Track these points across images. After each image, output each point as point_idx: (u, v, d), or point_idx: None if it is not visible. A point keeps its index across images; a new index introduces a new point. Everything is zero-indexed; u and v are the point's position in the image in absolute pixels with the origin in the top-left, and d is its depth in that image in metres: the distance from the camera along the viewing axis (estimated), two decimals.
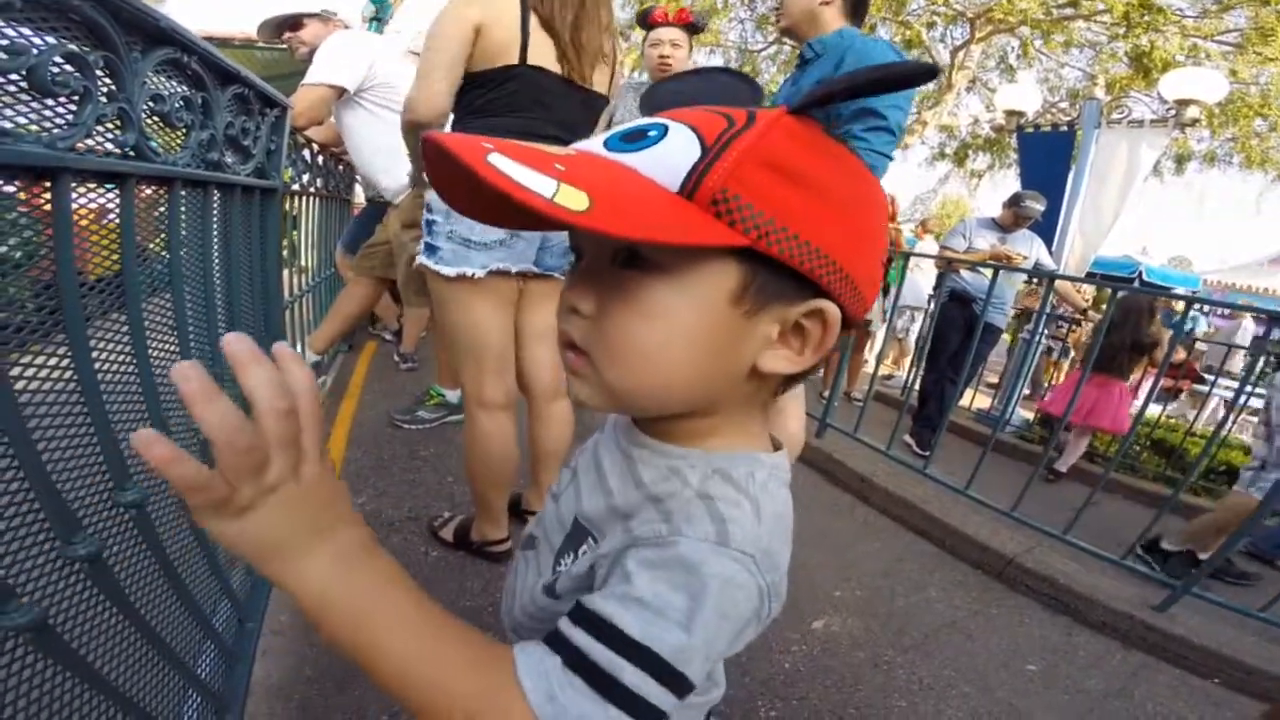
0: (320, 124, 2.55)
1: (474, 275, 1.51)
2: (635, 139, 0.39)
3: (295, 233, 2.93)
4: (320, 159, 2.85)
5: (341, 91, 2.43)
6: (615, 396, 0.44)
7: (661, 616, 0.38)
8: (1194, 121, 4.74)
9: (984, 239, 3.92)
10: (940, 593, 2.12)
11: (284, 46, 2.78)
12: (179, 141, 0.98)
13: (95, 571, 0.75)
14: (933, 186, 16.79)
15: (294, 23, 2.68)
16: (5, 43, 0.56)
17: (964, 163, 13.65)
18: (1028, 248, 3.89)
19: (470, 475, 1.74)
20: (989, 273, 3.46)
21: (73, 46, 0.65)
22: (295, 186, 2.54)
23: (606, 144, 0.40)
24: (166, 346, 1.02)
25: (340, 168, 3.15)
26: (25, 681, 0.64)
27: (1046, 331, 4.37)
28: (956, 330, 3.89)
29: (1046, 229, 5.17)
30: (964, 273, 3.90)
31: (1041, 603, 2.14)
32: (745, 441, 0.49)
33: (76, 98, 0.67)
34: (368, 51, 2.47)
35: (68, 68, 0.65)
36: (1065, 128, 5.43)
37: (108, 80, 0.74)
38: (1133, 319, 3.70)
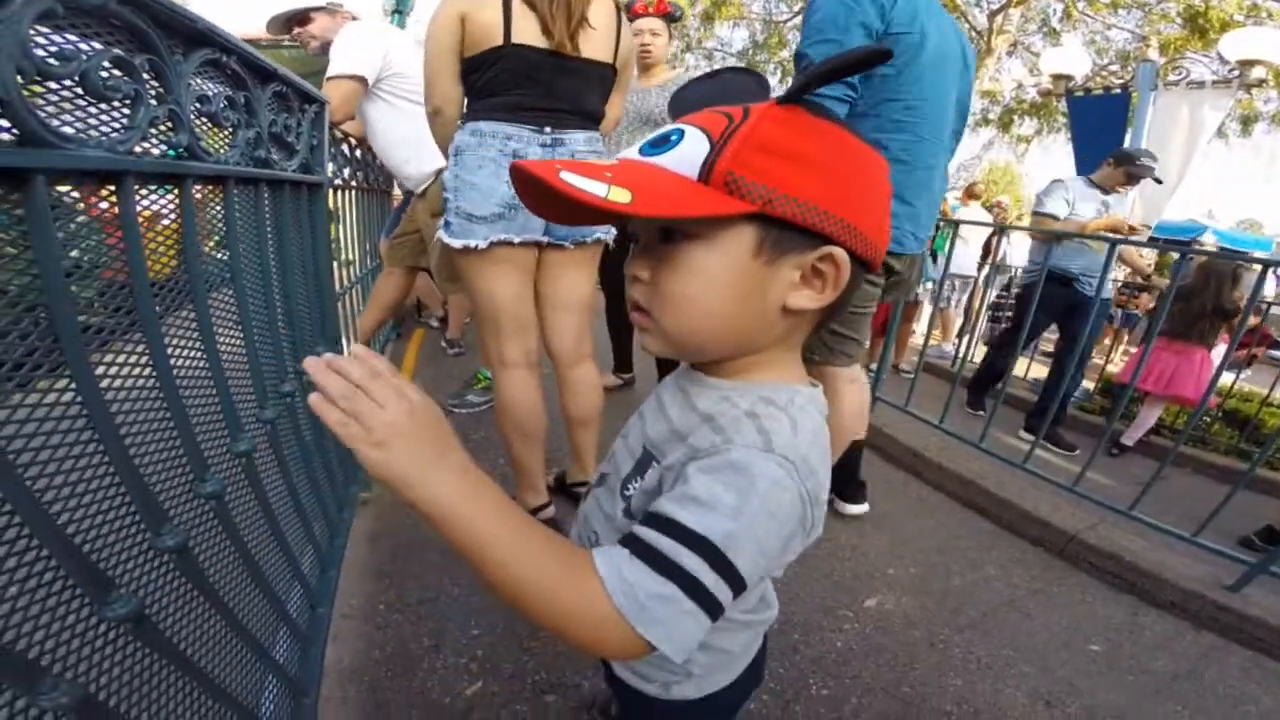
0: (354, 117, 2.58)
1: (477, 246, 1.60)
2: (661, 144, 0.51)
3: (338, 226, 2.98)
4: (359, 153, 2.89)
5: (365, 82, 2.44)
6: (673, 341, 0.56)
7: (713, 510, 0.47)
8: (1260, 82, 4.51)
9: (1088, 204, 3.51)
10: (998, 570, 2.07)
11: (297, 43, 2.80)
12: (226, 141, 1.00)
13: (183, 562, 0.78)
14: (976, 153, 16.23)
15: (301, 17, 2.67)
16: (55, 49, 0.57)
17: (1009, 128, 13.14)
18: (1126, 210, 3.62)
19: (503, 437, 1.82)
20: (1095, 245, 3.27)
21: (119, 50, 0.67)
22: (337, 181, 2.58)
23: (641, 151, 0.52)
24: (232, 341, 1.05)
25: (378, 161, 3.20)
26: (125, 670, 0.67)
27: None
28: (1050, 314, 3.53)
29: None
30: (1063, 245, 3.35)
31: (1105, 581, 2.08)
32: (785, 376, 0.59)
33: (129, 101, 0.68)
34: (382, 42, 2.47)
35: (116, 72, 0.67)
36: (1119, 90, 5.19)
37: (155, 83, 0.75)
38: (1214, 284, 3.54)
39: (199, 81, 0.89)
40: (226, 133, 0.99)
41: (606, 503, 0.66)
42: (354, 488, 1.91)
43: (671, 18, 2.94)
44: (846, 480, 2.25)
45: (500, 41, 1.55)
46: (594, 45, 1.67)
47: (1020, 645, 1.72)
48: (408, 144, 2.55)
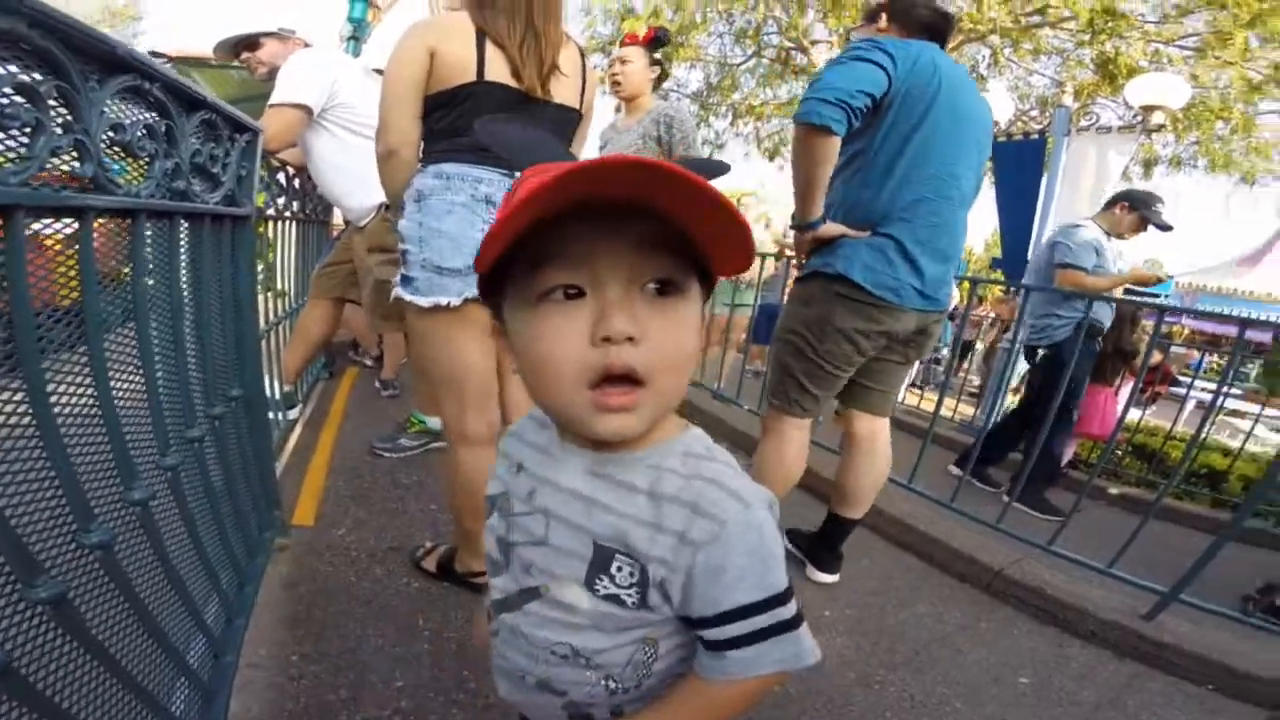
0: (294, 145, 2.52)
1: (450, 304, 1.48)
2: None
3: (271, 255, 2.87)
4: (297, 182, 2.81)
5: (309, 111, 2.38)
6: (661, 411, 0.54)
7: (753, 577, 0.54)
8: (1160, 127, 4.85)
9: (1108, 254, 3.35)
10: (929, 608, 2.10)
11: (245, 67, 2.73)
12: (142, 172, 0.95)
13: (59, 614, 0.73)
14: None
15: (251, 43, 2.62)
16: None
17: None
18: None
19: (453, 509, 1.72)
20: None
21: (24, 77, 0.64)
22: (270, 211, 2.50)
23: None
24: (132, 383, 0.99)
25: (317, 191, 3.11)
26: None
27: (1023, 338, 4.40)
28: (1084, 371, 3.28)
29: (1022, 239, 5.25)
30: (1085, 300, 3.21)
31: (1030, 614, 2.13)
32: (673, 423, 0.60)
33: (29, 130, 0.65)
34: (331, 71, 2.43)
35: (18, 99, 0.63)
36: (1037, 135, 5.53)
37: (64, 110, 0.72)
38: (1115, 327, 3.71)
39: (116, 109, 0.85)
40: (143, 163, 0.95)
41: (556, 613, 0.60)
42: (268, 533, 1.81)
43: (658, 42, 2.86)
44: (829, 549, 2.17)
45: (472, 78, 1.49)
46: (564, 90, 1.64)
47: (953, 681, 1.74)
48: (351, 176, 2.49)
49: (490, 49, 1.49)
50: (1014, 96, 9.89)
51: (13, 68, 0.64)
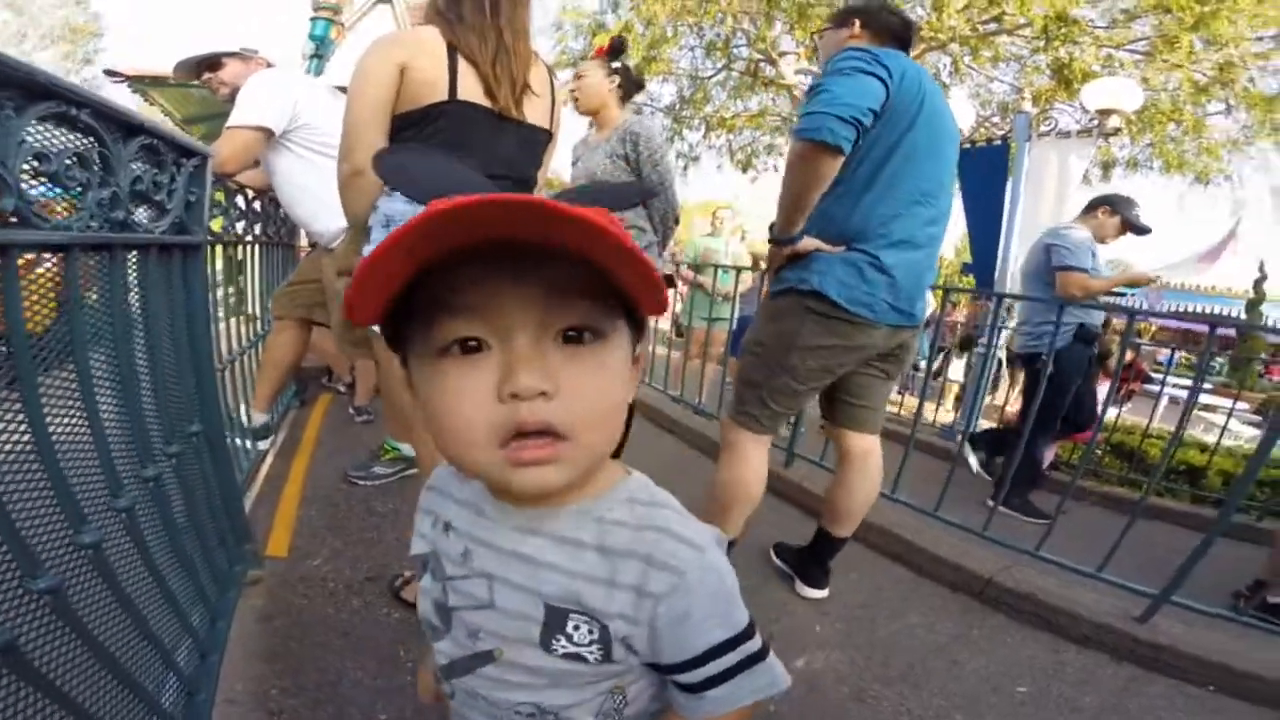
0: (253, 167, 2.45)
1: None
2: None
3: (241, 278, 2.80)
4: (258, 204, 2.73)
5: (269, 133, 2.32)
6: (586, 464, 0.50)
7: (718, 617, 0.54)
8: (1116, 130, 4.93)
9: (1097, 258, 3.34)
10: (921, 618, 2.07)
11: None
12: (73, 203, 0.90)
13: (11, 664, 0.70)
14: None
15: (212, 62, 2.55)
16: None
17: None
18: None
19: None
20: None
21: None
22: (228, 236, 2.42)
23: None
24: (77, 421, 0.94)
25: (280, 212, 3.02)
26: None
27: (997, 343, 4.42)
28: (1082, 376, 3.28)
29: (990, 244, 5.29)
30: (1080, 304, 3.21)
31: (1024, 620, 2.10)
32: (612, 470, 0.58)
33: None
34: (291, 91, 2.37)
35: None
36: (999, 142, 5.60)
37: None
38: None
39: (39, 137, 0.79)
40: (74, 194, 0.90)
41: (516, 675, 0.56)
42: (239, 566, 1.73)
43: (615, 52, 2.77)
44: (818, 564, 2.12)
45: (444, 96, 1.44)
46: (535, 110, 1.61)
47: (950, 693, 1.70)
48: (317, 197, 2.41)
49: (462, 66, 1.45)
50: (975, 103, 10.09)
51: None
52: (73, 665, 0.85)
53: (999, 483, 3.21)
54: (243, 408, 2.62)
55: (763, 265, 1.85)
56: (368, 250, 1.47)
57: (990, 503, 3.01)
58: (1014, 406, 5.37)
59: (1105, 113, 4.68)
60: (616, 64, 2.77)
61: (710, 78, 12.38)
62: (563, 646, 0.54)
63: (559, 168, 2.07)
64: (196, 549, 1.41)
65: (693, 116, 12.96)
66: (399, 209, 1.43)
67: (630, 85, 2.82)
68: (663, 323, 7.11)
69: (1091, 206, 3.51)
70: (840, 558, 2.13)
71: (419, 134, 1.46)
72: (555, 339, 0.45)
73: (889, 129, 1.63)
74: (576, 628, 0.53)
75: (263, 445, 2.73)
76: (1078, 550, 2.30)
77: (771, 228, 1.80)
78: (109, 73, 5.58)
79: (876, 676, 1.73)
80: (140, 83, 5.57)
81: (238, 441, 2.32)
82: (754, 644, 0.56)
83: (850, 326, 1.72)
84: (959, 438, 3.97)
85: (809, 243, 1.74)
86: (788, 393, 1.81)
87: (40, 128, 0.80)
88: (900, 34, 1.80)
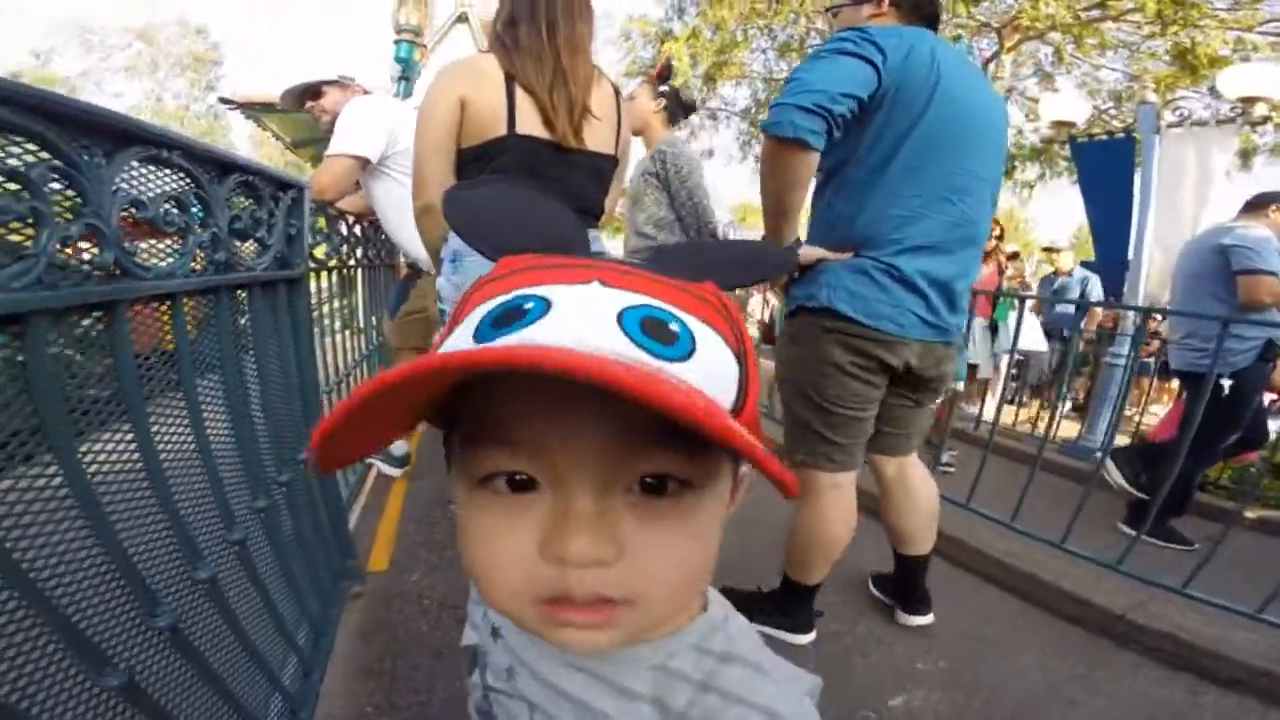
0: (351, 194, 2.56)
1: None
2: (663, 339, 0.32)
3: (349, 299, 2.95)
4: (358, 229, 2.86)
5: (365, 161, 2.42)
6: (646, 631, 0.39)
7: None
8: (1265, 119, 4.40)
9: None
10: (1035, 656, 1.90)
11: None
12: (175, 248, 0.91)
13: (132, 698, 0.73)
14: None
15: (314, 91, 2.69)
16: None
17: (1011, 174, 13.18)
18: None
19: None
20: None
21: (13, 161, 0.59)
22: (333, 262, 2.54)
23: (630, 335, 0.31)
24: (189, 458, 0.99)
25: (380, 235, 3.18)
26: None
27: (1135, 354, 4.01)
28: (1261, 396, 2.84)
29: (1119, 240, 4.86)
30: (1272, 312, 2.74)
31: (1160, 660, 1.90)
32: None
33: (31, 224, 0.60)
34: (386, 119, 2.45)
35: (11, 186, 0.58)
36: (1122, 135, 5.15)
37: (70, 193, 0.67)
38: None
39: (134, 184, 0.80)
40: (174, 239, 0.91)
41: None
42: (344, 583, 1.82)
43: (663, 77, 2.84)
44: (911, 589, 1.95)
45: (504, 131, 1.45)
46: (597, 136, 1.58)
47: None
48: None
49: (520, 96, 1.45)
50: (1083, 93, 9.38)
51: None
52: (183, 693, 0.89)
53: (1136, 507, 2.91)
54: None
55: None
56: (440, 282, 1.49)
57: (1124, 527, 2.74)
58: (1152, 418, 4.92)
59: (1249, 101, 4.20)
60: (664, 87, 2.82)
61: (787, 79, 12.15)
62: None
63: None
64: (304, 569, 1.48)
65: None
66: (465, 244, 1.46)
67: (677, 108, 2.86)
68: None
69: (1259, 204, 3.00)
70: (948, 589, 2.00)
71: (482, 168, 1.46)
72: (628, 489, 0.34)
73: (896, 116, 1.43)
74: None
75: (396, 472, 2.86)
76: (1230, 585, 2.06)
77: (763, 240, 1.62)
78: (224, 100, 5.99)
79: (979, 717, 1.61)
80: (252, 109, 5.94)
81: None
82: None
83: (873, 344, 1.53)
84: (1098, 455, 3.65)
85: (810, 252, 1.57)
86: (841, 421, 1.60)
87: (136, 173, 0.81)
88: (928, 11, 1.59)
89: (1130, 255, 4.60)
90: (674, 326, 0.33)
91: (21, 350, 0.60)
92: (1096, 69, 10.43)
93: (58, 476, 0.66)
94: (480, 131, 1.45)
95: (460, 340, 0.34)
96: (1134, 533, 2.38)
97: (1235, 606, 1.98)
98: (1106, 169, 4.95)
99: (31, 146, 0.62)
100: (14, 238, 0.60)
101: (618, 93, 1.70)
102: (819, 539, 1.69)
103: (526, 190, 0.43)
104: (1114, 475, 3.07)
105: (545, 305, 0.32)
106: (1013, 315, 4.10)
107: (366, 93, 2.72)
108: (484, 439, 0.34)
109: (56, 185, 0.65)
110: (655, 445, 0.33)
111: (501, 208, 0.42)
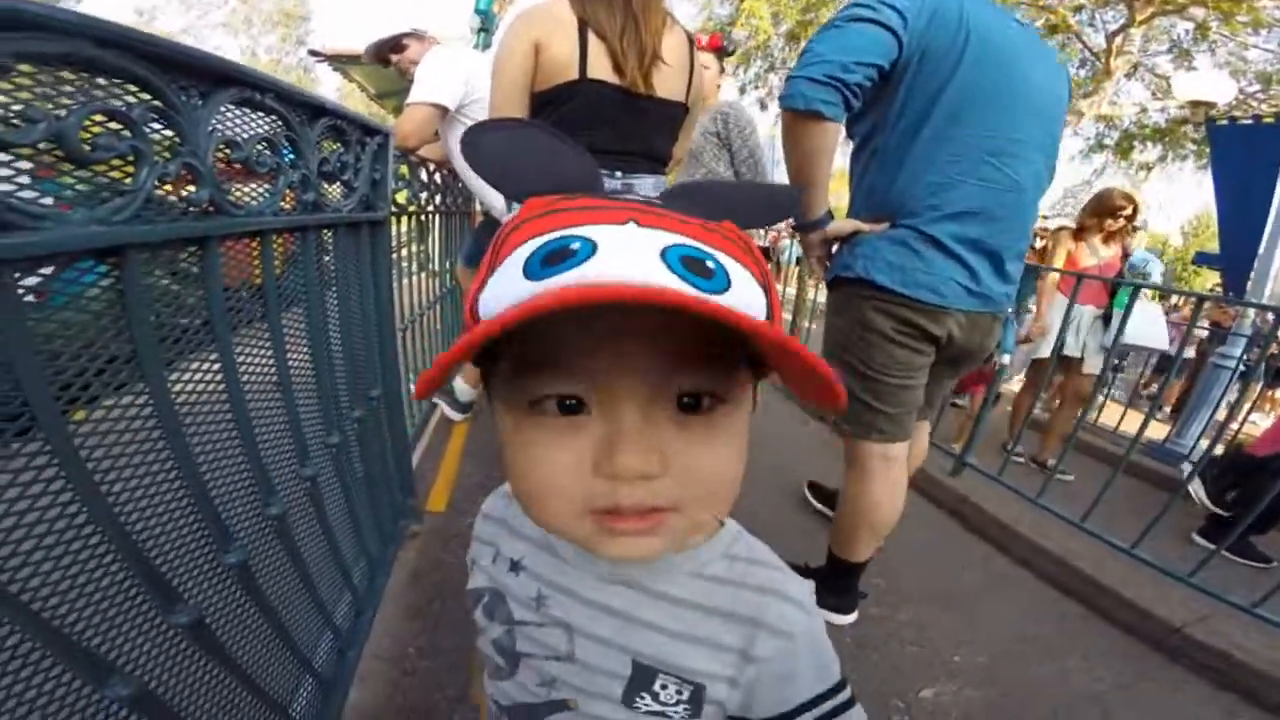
0: (430, 142, 2.60)
1: None
2: (702, 273, 0.35)
3: (425, 244, 3.04)
4: (438, 177, 2.92)
5: (444, 109, 2.46)
6: (688, 537, 0.44)
7: (820, 670, 0.51)
8: None
9: None
10: (1081, 662, 1.84)
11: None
12: (266, 189, 0.94)
13: (196, 634, 0.77)
14: (1086, 178, 15.03)
15: (395, 45, 2.76)
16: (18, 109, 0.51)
17: (1128, 155, 12.22)
18: None
19: None
20: None
21: (116, 103, 0.61)
22: (412, 207, 2.61)
23: (672, 266, 0.34)
24: (270, 394, 1.03)
25: (458, 183, 3.24)
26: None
27: (1248, 357, 3.70)
28: None
29: (1250, 234, 4.49)
30: None
31: (1209, 679, 1.82)
32: None
33: (132, 160, 0.63)
34: (464, 68, 2.49)
35: (114, 125, 0.60)
36: (1272, 119, 4.68)
37: (167, 133, 0.69)
38: None
39: (230, 124, 0.83)
40: (265, 179, 0.94)
41: None
42: (403, 521, 1.90)
43: (723, 52, 2.90)
44: (846, 584, 1.82)
45: (575, 76, 1.47)
46: (666, 83, 1.58)
47: None
48: None
49: (593, 42, 1.46)
50: (1226, 72, 8.52)
51: (97, 94, 0.60)
52: (241, 631, 0.91)
53: (1216, 518, 2.79)
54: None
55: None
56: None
57: (1200, 539, 2.62)
58: (1252, 427, 4.58)
59: None
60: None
61: None
62: (646, 705, 0.50)
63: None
64: (366, 507, 1.54)
65: None
66: None
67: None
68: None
69: None
70: (996, 581, 1.95)
71: (552, 115, 1.48)
72: (668, 406, 0.39)
73: (923, 80, 1.37)
74: (664, 687, 0.50)
75: (459, 417, 2.98)
76: None
77: (795, 215, 1.59)
78: (313, 53, 6.22)
79: (1008, 717, 1.59)
80: (339, 61, 6.14)
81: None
82: (845, 694, 0.53)
83: (915, 313, 1.48)
84: (1185, 466, 3.44)
85: (843, 224, 1.53)
86: (888, 390, 1.56)
87: (231, 115, 0.83)
88: None
89: (1262, 250, 4.27)
90: (710, 264, 0.36)
91: (119, 281, 0.65)
92: (1245, 48, 9.45)
93: (148, 406, 0.71)
94: (553, 76, 1.47)
95: (509, 279, 0.36)
96: (1210, 545, 2.28)
97: None
98: (1247, 156, 4.52)
99: (132, 88, 0.64)
100: (114, 175, 0.63)
101: (691, 40, 1.68)
102: (867, 513, 1.66)
103: (543, 131, 0.43)
104: (1197, 491, 2.92)
105: (592, 245, 0.34)
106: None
107: (439, 43, 2.76)
108: (537, 366, 0.38)
109: (156, 126, 0.68)
110: (690, 367, 0.38)
111: (520, 149, 0.43)
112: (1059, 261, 3.58)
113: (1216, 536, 2.41)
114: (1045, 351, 3.43)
